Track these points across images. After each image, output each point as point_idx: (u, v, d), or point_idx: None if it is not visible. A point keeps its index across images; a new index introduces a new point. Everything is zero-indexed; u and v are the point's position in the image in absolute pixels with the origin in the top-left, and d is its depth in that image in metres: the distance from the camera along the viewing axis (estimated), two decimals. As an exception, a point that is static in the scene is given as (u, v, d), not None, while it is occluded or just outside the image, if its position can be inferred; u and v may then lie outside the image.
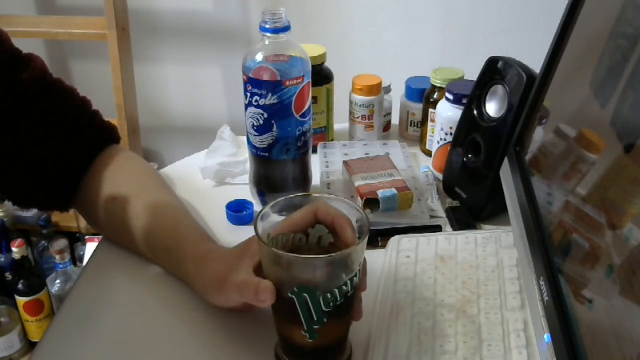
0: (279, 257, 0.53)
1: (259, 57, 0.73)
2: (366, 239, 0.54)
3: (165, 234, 0.69)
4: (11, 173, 0.71)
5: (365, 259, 0.56)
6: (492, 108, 0.78)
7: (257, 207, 0.82)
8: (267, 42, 0.73)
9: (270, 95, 0.72)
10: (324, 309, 0.52)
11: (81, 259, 1.75)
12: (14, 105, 0.69)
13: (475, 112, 0.79)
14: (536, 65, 0.69)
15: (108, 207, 0.72)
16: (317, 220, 0.57)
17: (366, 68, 1.03)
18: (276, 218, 0.57)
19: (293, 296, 0.52)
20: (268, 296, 0.53)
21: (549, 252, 0.55)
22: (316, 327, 0.53)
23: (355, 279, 0.54)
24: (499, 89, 0.77)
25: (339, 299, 0.53)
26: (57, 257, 1.60)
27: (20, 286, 1.58)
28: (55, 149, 0.72)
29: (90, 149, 0.75)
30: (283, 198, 0.57)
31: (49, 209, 0.76)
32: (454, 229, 0.78)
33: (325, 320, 0.53)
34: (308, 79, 0.75)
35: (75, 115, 0.74)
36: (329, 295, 0.52)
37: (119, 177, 0.74)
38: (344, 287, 0.53)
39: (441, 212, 0.81)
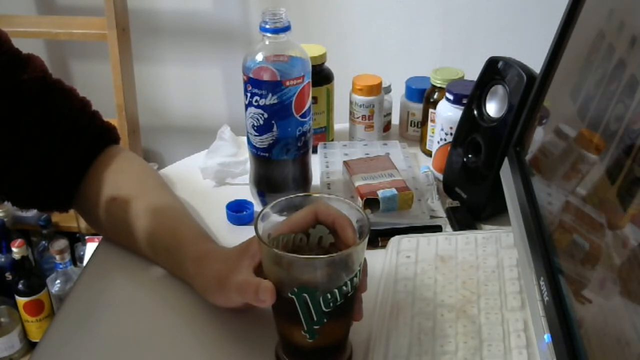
0: (279, 257, 0.53)
1: (259, 57, 0.73)
2: (366, 239, 0.54)
3: (166, 234, 0.69)
4: (11, 174, 0.71)
5: (365, 260, 0.56)
6: (492, 108, 0.78)
7: (257, 207, 0.82)
8: (267, 42, 0.73)
9: (270, 95, 0.72)
10: (324, 309, 0.52)
11: (81, 259, 1.75)
12: (14, 105, 0.69)
13: (475, 112, 0.79)
14: (536, 65, 0.69)
15: (108, 207, 0.72)
16: (317, 220, 0.57)
17: (366, 68, 1.03)
18: (276, 218, 0.57)
19: (293, 296, 0.52)
20: (268, 296, 0.53)
21: (549, 252, 0.55)
22: (316, 327, 0.53)
23: (355, 279, 0.54)
24: (499, 89, 0.77)
25: (338, 299, 0.53)
26: (57, 257, 1.60)
27: (20, 286, 1.58)
28: (54, 150, 0.72)
29: (89, 149, 0.75)
30: (283, 198, 0.57)
31: (49, 210, 0.76)
32: (454, 229, 0.78)
33: (325, 320, 0.53)
34: (308, 79, 0.75)
35: (74, 116, 0.74)
36: (328, 295, 0.52)
37: (118, 177, 0.74)
38: (344, 288, 0.53)
39: (441, 212, 0.81)
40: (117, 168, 0.74)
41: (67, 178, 0.73)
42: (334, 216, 0.56)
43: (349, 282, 0.53)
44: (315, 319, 0.53)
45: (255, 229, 0.53)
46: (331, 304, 0.52)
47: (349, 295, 0.53)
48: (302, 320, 0.53)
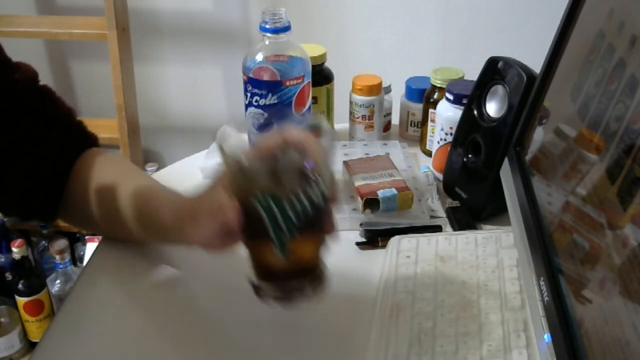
0: (242, 166, 0.52)
1: (259, 57, 0.73)
2: (332, 145, 0.52)
3: (149, 207, 0.67)
4: None
5: (332, 172, 0.55)
6: (492, 108, 0.78)
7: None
8: (267, 42, 0.73)
9: (270, 95, 0.72)
10: (294, 219, 0.51)
11: (81, 259, 1.75)
12: (7, 107, 0.68)
13: (475, 112, 0.79)
14: (536, 65, 0.69)
15: (97, 199, 0.70)
16: (286, 144, 0.55)
17: (366, 68, 1.03)
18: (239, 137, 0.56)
19: (261, 207, 0.51)
20: (235, 212, 0.52)
21: (549, 252, 0.55)
22: (287, 241, 0.52)
23: (323, 188, 0.52)
24: (499, 89, 0.77)
25: (308, 209, 0.51)
26: (57, 257, 1.60)
27: (20, 286, 1.58)
28: (36, 153, 0.70)
29: (70, 151, 0.73)
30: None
31: (31, 218, 0.74)
32: (454, 229, 0.78)
33: (296, 234, 0.51)
34: (308, 79, 0.75)
35: (60, 121, 0.72)
36: (297, 206, 0.50)
37: (103, 168, 0.72)
38: (313, 196, 0.51)
39: (441, 212, 0.81)
40: (99, 162, 0.73)
41: (49, 182, 0.72)
42: (303, 137, 0.54)
43: (317, 191, 0.51)
44: (284, 231, 0.51)
45: (217, 143, 0.52)
46: (300, 216, 0.51)
47: (318, 206, 0.52)
48: (272, 234, 0.51)
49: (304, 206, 0.51)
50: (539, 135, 0.65)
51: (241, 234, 0.55)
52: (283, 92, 0.72)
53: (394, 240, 0.72)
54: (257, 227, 0.52)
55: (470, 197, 0.80)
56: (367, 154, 0.91)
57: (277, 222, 0.51)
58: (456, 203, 0.82)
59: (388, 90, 1.00)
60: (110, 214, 0.71)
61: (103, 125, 1.73)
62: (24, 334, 1.64)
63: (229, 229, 0.55)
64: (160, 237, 0.69)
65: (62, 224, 1.77)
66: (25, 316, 1.61)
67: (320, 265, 0.57)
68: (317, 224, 0.54)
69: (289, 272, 0.54)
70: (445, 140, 0.86)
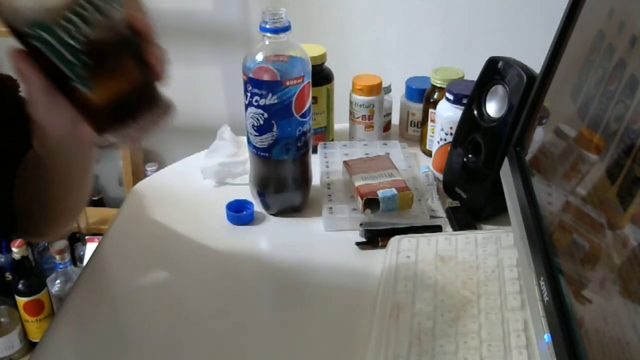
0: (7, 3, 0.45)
1: (259, 57, 0.73)
2: None
3: None
4: None
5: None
6: (492, 108, 0.78)
7: (257, 207, 0.82)
8: (267, 42, 0.73)
9: (270, 95, 0.72)
10: (74, 43, 0.46)
11: (81, 259, 1.75)
12: None
13: (475, 112, 0.79)
14: (536, 65, 0.69)
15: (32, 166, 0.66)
16: None
17: (366, 68, 1.03)
18: None
19: (34, 40, 0.45)
20: (19, 57, 0.47)
21: (549, 252, 0.55)
22: (81, 70, 0.47)
23: (107, 9, 0.46)
24: (499, 89, 0.77)
25: (87, 31, 0.46)
26: (57, 257, 1.60)
27: (20, 286, 1.58)
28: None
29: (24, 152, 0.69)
30: None
31: None
32: (454, 229, 0.78)
33: (86, 59, 0.46)
34: (308, 79, 0.75)
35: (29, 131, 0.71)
36: (71, 25, 0.45)
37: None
38: (85, 13, 0.45)
39: (441, 212, 0.81)
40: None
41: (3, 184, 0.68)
42: None
43: (88, 6, 0.45)
44: (70, 58, 0.46)
45: None
46: (81, 36, 0.46)
47: (100, 22, 0.46)
48: (60, 64, 0.46)
49: (79, 29, 0.45)
50: (539, 135, 0.65)
51: (49, 86, 0.49)
52: (283, 92, 0.72)
53: (394, 240, 0.72)
54: (49, 67, 0.47)
55: (470, 197, 0.80)
56: (367, 154, 0.91)
57: (57, 51, 0.46)
58: (456, 203, 0.82)
59: (388, 90, 1.00)
60: (37, 167, 0.65)
61: (103, 125, 1.73)
62: (24, 334, 1.64)
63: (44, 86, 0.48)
64: (48, 152, 0.61)
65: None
66: (25, 316, 1.61)
67: (152, 93, 0.53)
68: (114, 46, 0.48)
69: (112, 107, 0.49)
70: (445, 140, 0.86)
